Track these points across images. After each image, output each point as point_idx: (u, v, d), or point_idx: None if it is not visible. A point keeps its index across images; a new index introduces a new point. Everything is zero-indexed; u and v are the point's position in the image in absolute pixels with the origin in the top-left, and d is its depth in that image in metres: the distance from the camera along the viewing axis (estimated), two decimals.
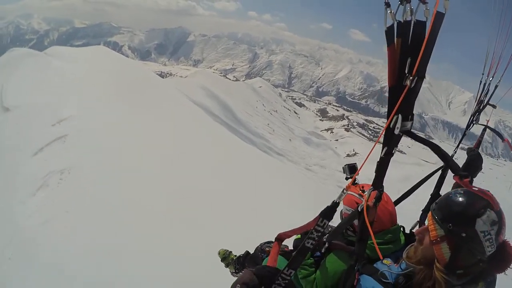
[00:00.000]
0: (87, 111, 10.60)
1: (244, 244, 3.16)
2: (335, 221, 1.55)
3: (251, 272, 1.67)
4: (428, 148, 1.23)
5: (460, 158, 1.93)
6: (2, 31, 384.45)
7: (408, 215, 2.94)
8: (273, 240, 1.97)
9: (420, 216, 2.17)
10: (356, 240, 1.36)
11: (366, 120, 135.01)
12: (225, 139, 15.91)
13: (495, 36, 2.09)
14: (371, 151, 1.27)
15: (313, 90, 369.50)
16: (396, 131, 1.03)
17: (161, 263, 5.03)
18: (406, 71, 0.97)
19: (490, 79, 2.36)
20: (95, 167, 7.63)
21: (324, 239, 1.98)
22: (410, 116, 1.03)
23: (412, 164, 63.34)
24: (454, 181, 1.80)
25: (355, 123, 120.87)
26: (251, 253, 2.85)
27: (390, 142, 1.08)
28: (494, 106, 2.51)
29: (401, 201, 2.17)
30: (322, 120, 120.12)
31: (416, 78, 0.95)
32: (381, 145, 1.13)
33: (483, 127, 2.54)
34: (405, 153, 74.47)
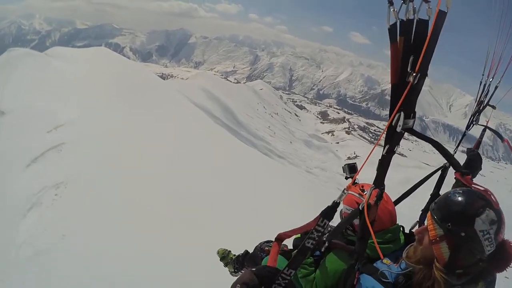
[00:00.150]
0: (86, 113, 10.22)
1: (244, 244, 3.16)
2: (335, 221, 1.55)
3: (251, 272, 1.67)
4: (428, 151, 1.23)
5: (459, 160, 1.93)
6: (4, 31, 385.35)
7: (408, 215, 2.93)
8: (273, 240, 1.97)
9: (420, 216, 2.17)
10: (356, 239, 1.36)
11: (367, 123, 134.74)
12: (225, 141, 15.93)
13: (495, 37, 2.10)
14: (371, 151, 1.27)
15: (314, 92, 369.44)
16: (398, 129, 1.04)
17: (161, 263, 5.02)
18: (408, 69, 0.98)
19: (490, 80, 2.37)
20: (93, 178, 7.10)
21: (324, 238, 1.98)
22: (412, 114, 1.04)
23: (413, 167, 63.28)
24: (454, 181, 1.82)
25: (356, 126, 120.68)
26: (250, 252, 2.85)
27: (392, 140, 1.09)
28: (494, 107, 2.52)
29: (401, 201, 2.17)
30: (323, 123, 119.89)
31: (418, 75, 0.96)
32: (382, 146, 1.13)
33: (483, 128, 2.55)
34: (406, 156, 74.33)
